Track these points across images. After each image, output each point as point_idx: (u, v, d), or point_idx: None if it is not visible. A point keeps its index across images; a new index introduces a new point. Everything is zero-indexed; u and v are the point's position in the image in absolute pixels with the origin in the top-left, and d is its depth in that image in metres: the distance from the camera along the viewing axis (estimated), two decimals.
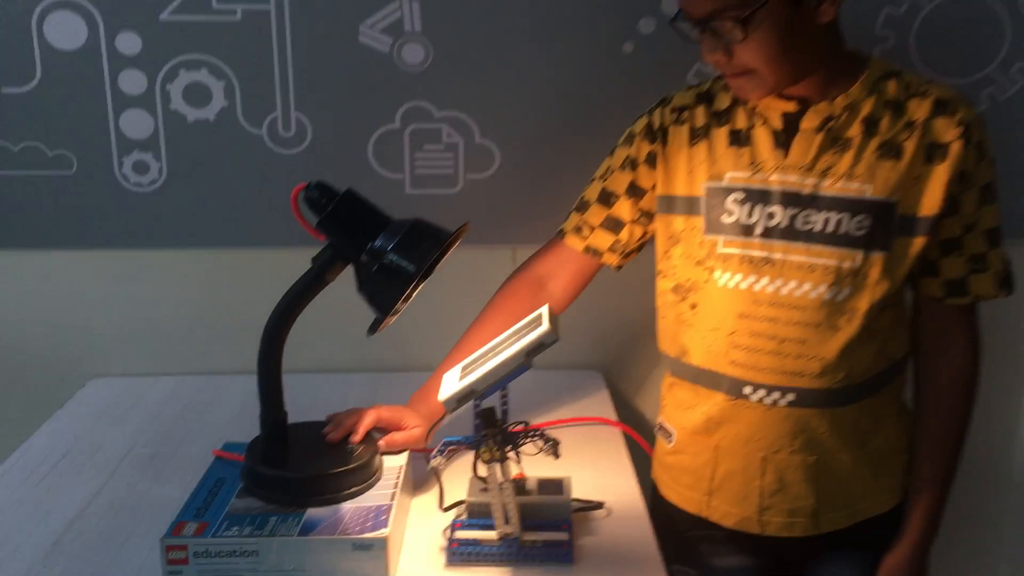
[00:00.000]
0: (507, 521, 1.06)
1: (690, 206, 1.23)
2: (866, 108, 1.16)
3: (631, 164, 1.27)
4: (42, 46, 1.50)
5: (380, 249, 1.01)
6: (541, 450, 1.06)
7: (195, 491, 1.08)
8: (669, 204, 1.25)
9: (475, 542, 1.07)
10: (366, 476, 1.09)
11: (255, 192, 1.58)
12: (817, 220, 1.16)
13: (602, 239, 1.30)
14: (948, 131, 1.15)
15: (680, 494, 1.31)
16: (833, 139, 1.16)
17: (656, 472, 1.36)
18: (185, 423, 1.44)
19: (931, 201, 1.15)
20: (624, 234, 1.29)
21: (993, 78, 1.54)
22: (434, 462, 1.08)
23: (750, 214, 1.19)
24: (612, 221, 1.30)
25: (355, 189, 1.06)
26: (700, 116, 1.23)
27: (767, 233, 1.18)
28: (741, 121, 1.20)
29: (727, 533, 1.27)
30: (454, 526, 1.10)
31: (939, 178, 1.15)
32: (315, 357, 1.58)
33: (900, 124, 1.16)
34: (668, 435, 1.30)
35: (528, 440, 1.05)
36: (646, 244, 1.32)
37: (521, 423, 1.05)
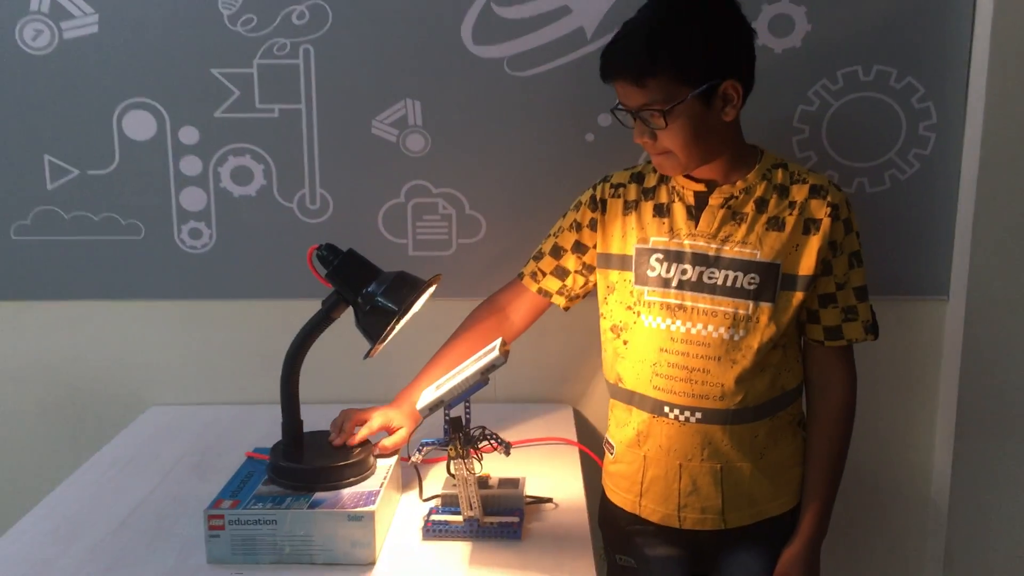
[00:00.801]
0: (471, 508, 1.35)
1: (623, 263, 1.48)
2: (758, 191, 1.42)
3: (577, 226, 1.54)
4: (120, 137, 1.79)
5: (371, 294, 1.30)
6: (496, 449, 1.35)
7: (231, 480, 1.37)
8: (607, 260, 1.51)
9: (445, 523, 1.35)
10: (361, 470, 1.37)
11: (287, 254, 1.83)
12: (719, 276, 1.41)
13: (551, 283, 1.58)
14: (820, 210, 1.40)
15: (619, 496, 1.54)
16: (732, 214, 1.41)
17: (603, 480, 1.59)
18: (224, 440, 1.71)
19: (807, 264, 1.40)
20: (569, 281, 1.56)
21: (894, 162, 1.78)
22: (415, 458, 1.38)
23: (668, 270, 1.43)
24: (560, 270, 1.56)
25: (355, 249, 1.35)
26: (632, 192, 1.49)
27: (681, 285, 1.42)
28: (663, 197, 1.46)
29: (655, 528, 1.50)
30: (431, 511, 1.39)
31: (813, 246, 1.40)
32: (328, 390, 1.82)
33: (784, 204, 1.41)
34: (611, 448, 1.56)
35: (485, 441, 1.35)
36: (590, 292, 1.57)
37: (480, 427, 1.35)
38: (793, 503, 1.50)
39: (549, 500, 1.45)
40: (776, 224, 1.41)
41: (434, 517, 1.36)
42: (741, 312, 1.41)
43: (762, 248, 1.40)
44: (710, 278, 1.42)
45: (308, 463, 1.36)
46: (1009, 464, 1.82)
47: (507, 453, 1.34)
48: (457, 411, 1.33)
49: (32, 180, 1.82)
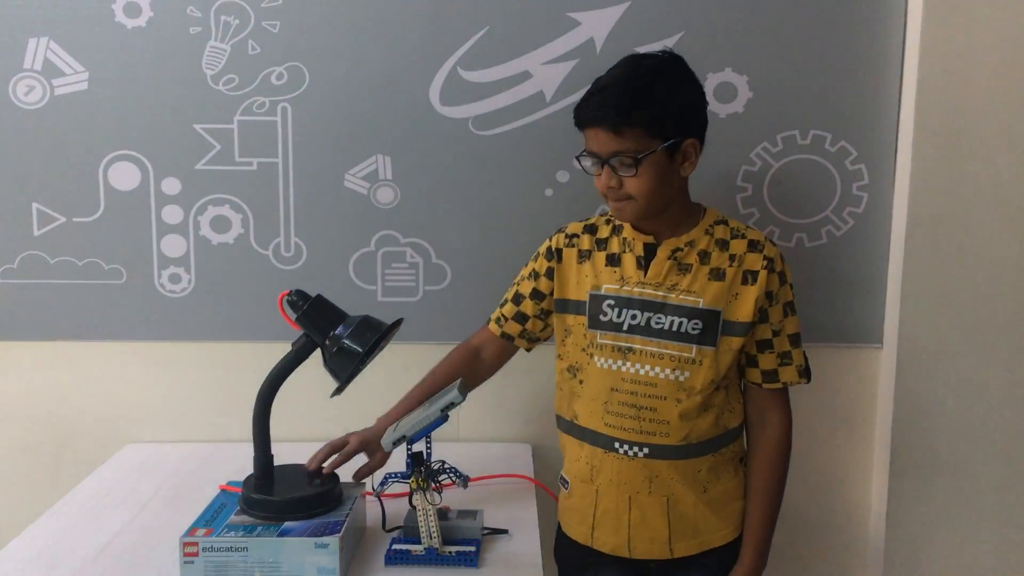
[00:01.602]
0: (431, 537, 1.44)
1: (578, 308, 1.58)
2: (702, 244, 1.53)
3: (535, 275, 1.65)
4: (106, 187, 1.89)
5: (338, 336, 1.40)
6: (454, 484, 1.45)
7: (205, 510, 1.45)
8: (564, 306, 1.61)
9: (407, 551, 1.44)
10: (328, 500, 1.45)
11: (262, 299, 1.93)
12: (665, 321, 1.52)
13: (513, 328, 1.68)
14: (757, 263, 1.52)
15: (573, 529, 1.63)
16: (678, 264, 1.52)
17: (559, 515, 1.68)
18: (198, 475, 1.78)
19: (745, 311, 1.51)
20: (529, 325, 1.66)
21: (830, 219, 1.91)
22: (380, 490, 1.47)
23: (619, 315, 1.53)
24: (520, 315, 1.67)
25: (324, 295, 1.44)
26: (586, 242, 1.59)
27: (631, 329, 1.52)
28: (615, 247, 1.56)
29: (608, 558, 1.59)
30: (393, 540, 1.48)
31: (751, 295, 1.51)
32: (296, 428, 1.89)
33: (725, 256, 1.52)
34: (566, 483, 1.65)
35: (445, 475, 1.45)
36: (550, 337, 1.68)
37: (440, 462, 1.45)
38: (735, 534, 1.60)
39: (505, 531, 1.54)
40: (717, 275, 1.52)
41: (396, 546, 1.45)
42: (686, 355, 1.51)
43: (705, 296, 1.51)
44: (657, 323, 1.52)
45: (278, 495, 1.45)
46: (941, 500, 1.93)
47: (464, 486, 1.44)
48: (419, 446, 1.43)
49: (20, 226, 1.91)
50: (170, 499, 1.69)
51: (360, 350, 1.39)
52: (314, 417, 1.91)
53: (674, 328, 1.52)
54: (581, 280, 1.59)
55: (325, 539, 1.36)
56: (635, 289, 1.53)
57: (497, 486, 1.76)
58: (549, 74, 1.88)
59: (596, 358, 1.56)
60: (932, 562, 1.95)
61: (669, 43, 1.85)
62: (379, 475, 1.46)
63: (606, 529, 1.59)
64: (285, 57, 1.88)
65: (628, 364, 1.54)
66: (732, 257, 1.53)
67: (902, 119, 1.87)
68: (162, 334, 1.96)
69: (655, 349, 1.53)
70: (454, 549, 1.44)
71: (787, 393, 1.61)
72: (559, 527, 1.69)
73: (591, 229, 1.62)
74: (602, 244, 1.59)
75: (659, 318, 1.52)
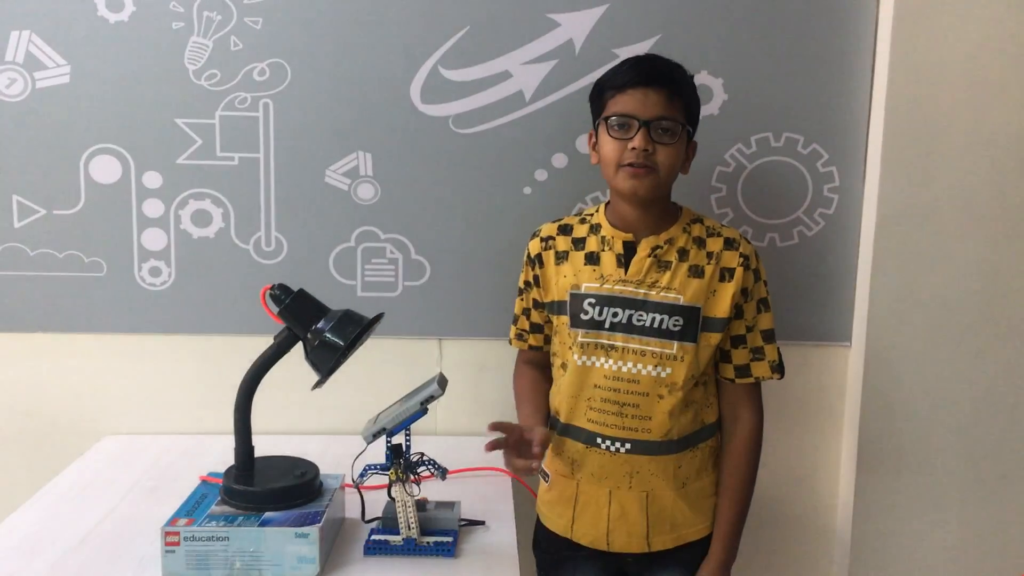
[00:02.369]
0: (409, 528, 1.47)
1: (560, 308, 1.61)
2: (680, 242, 1.56)
3: (528, 286, 1.68)
4: (87, 180, 1.90)
5: (320, 330, 1.42)
6: (432, 476, 1.47)
7: (186, 500, 1.47)
8: (550, 307, 1.64)
9: (385, 542, 1.47)
10: (308, 491, 1.48)
11: (241, 292, 1.94)
12: (647, 318, 1.55)
13: (535, 339, 1.72)
14: (733, 260, 1.56)
15: (553, 522, 1.67)
16: (658, 262, 1.56)
17: (538, 507, 1.72)
18: (178, 466, 1.80)
19: (722, 307, 1.55)
20: (546, 330, 1.70)
21: (801, 220, 1.96)
22: (359, 482, 1.49)
23: (600, 313, 1.56)
24: (534, 326, 1.71)
25: (306, 289, 1.46)
26: (562, 243, 1.63)
27: (612, 327, 1.55)
28: (593, 246, 1.59)
29: (586, 551, 1.63)
30: (372, 531, 1.50)
31: (728, 292, 1.55)
32: (277, 421, 1.94)
33: (702, 254, 1.56)
34: (546, 476, 1.68)
35: (423, 467, 1.48)
36: None
37: (419, 454, 1.48)
38: (710, 529, 1.64)
39: (482, 523, 1.57)
40: (696, 272, 1.56)
41: (375, 536, 1.48)
42: (667, 351, 1.55)
43: (685, 293, 1.54)
44: (639, 320, 1.55)
45: (259, 485, 1.46)
46: (906, 494, 1.98)
47: (443, 478, 1.47)
48: (398, 439, 1.45)
49: (0, 218, 1.92)
50: (150, 490, 1.70)
51: (341, 343, 1.41)
52: (295, 409, 1.93)
53: (655, 325, 1.55)
54: (560, 281, 1.62)
55: (305, 529, 1.38)
56: (616, 287, 1.56)
57: (474, 479, 1.79)
58: (529, 74, 1.91)
59: (578, 355, 1.59)
60: (897, 554, 2.00)
61: (647, 45, 1.89)
62: (359, 467, 1.49)
63: (585, 522, 1.62)
64: (267, 54, 1.89)
65: (611, 361, 1.57)
66: (710, 255, 1.57)
67: (872, 123, 1.92)
68: (142, 327, 1.97)
69: (637, 346, 1.56)
70: (432, 540, 1.47)
71: (759, 389, 1.65)
72: (538, 520, 1.73)
73: (565, 229, 1.65)
74: (579, 243, 1.62)
75: (640, 315, 1.55)
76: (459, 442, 1.96)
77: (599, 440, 1.58)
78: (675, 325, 1.54)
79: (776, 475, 2.02)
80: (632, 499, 1.59)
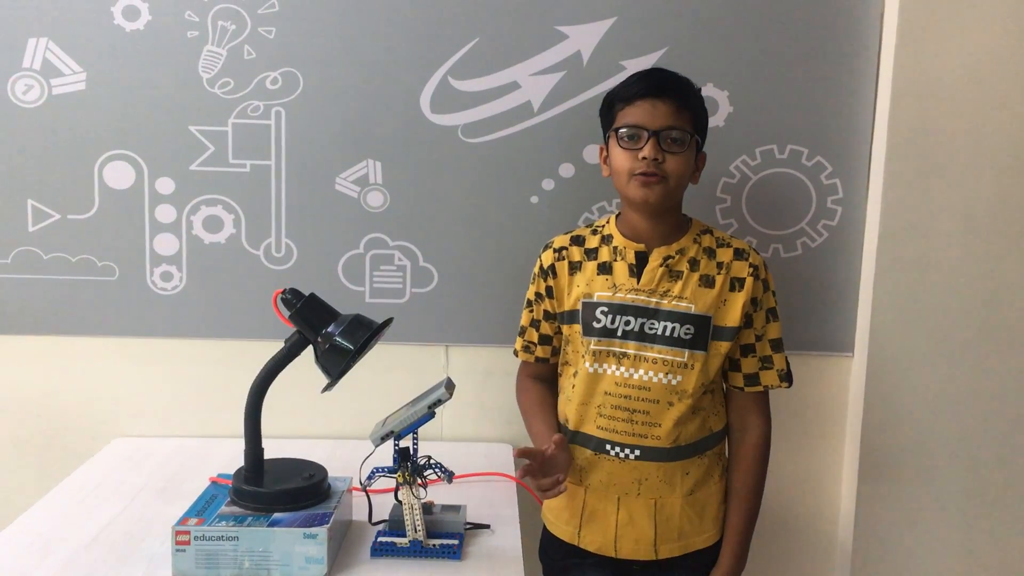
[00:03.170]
0: (416, 530, 1.49)
1: (572, 317, 1.63)
2: (691, 252, 1.59)
3: (539, 298, 1.69)
4: (101, 185, 1.92)
5: (330, 334, 1.44)
6: (439, 480, 1.49)
7: (196, 501, 1.49)
8: (563, 317, 1.66)
9: (392, 544, 1.48)
10: (316, 493, 1.50)
11: (251, 297, 1.96)
12: (658, 327, 1.57)
13: (543, 351, 1.73)
14: (743, 270, 1.58)
15: (560, 528, 1.68)
16: (670, 271, 1.58)
17: (544, 514, 1.73)
18: (188, 468, 1.82)
19: (732, 317, 1.57)
20: (555, 341, 1.72)
21: (805, 231, 1.98)
22: (367, 485, 1.51)
23: (613, 321, 1.58)
24: (543, 337, 1.72)
25: (316, 294, 1.48)
26: (575, 254, 1.65)
27: (624, 335, 1.57)
28: (606, 256, 1.61)
29: (593, 559, 1.64)
30: (379, 533, 1.52)
31: (738, 301, 1.57)
32: (288, 424, 1.96)
33: (713, 264, 1.58)
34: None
35: (430, 470, 1.49)
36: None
37: (426, 457, 1.50)
38: (717, 537, 1.65)
39: (487, 526, 1.59)
40: (708, 281, 1.58)
41: (381, 538, 1.49)
42: (677, 359, 1.57)
43: (697, 302, 1.57)
44: (651, 328, 1.57)
45: (268, 487, 1.48)
46: (908, 504, 2.00)
47: (449, 481, 1.49)
48: (406, 442, 1.47)
49: (15, 222, 1.94)
50: (160, 491, 1.72)
51: (351, 347, 1.43)
52: (303, 413, 1.95)
53: (667, 333, 1.57)
54: (573, 290, 1.64)
55: (313, 530, 1.40)
56: (628, 296, 1.58)
57: (480, 484, 1.80)
58: (537, 85, 1.93)
59: (590, 363, 1.61)
60: (898, 564, 2.01)
61: (654, 58, 1.92)
62: (366, 469, 1.51)
63: (593, 529, 1.63)
64: (280, 63, 1.92)
65: (622, 369, 1.59)
66: (720, 265, 1.59)
67: (875, 136, 1.94)
68: (153, 331, 1.99)
69: (648, 354, 1.58)
70: (438, 542, 1.48)
71: (768, 397, 1.66)
72: (544, 527, 1.74)
73: (578, 240, 1.67)
74: (592, 254, 1.64)
75: (652, 324, 1.57)
76: (465, 448, 1.98)
77: (608, 447, 1.60)
78: (686, 334, 1.56)
79: (778, 484, 2.03)
80: (640, 506, 1.60)
